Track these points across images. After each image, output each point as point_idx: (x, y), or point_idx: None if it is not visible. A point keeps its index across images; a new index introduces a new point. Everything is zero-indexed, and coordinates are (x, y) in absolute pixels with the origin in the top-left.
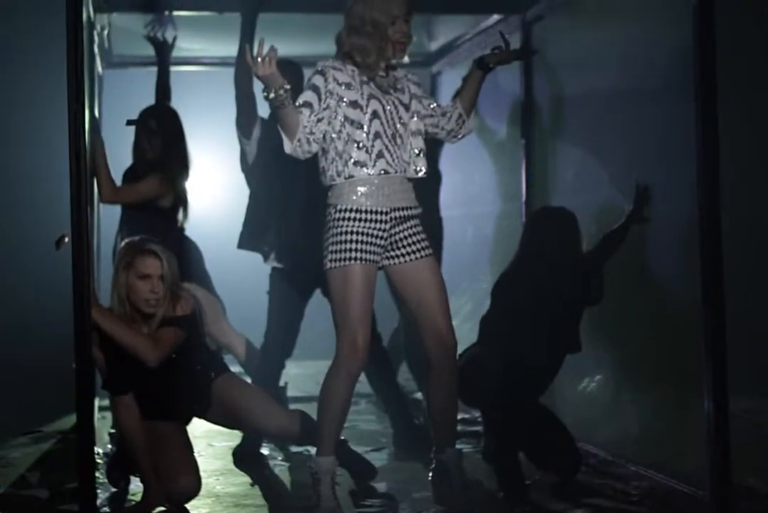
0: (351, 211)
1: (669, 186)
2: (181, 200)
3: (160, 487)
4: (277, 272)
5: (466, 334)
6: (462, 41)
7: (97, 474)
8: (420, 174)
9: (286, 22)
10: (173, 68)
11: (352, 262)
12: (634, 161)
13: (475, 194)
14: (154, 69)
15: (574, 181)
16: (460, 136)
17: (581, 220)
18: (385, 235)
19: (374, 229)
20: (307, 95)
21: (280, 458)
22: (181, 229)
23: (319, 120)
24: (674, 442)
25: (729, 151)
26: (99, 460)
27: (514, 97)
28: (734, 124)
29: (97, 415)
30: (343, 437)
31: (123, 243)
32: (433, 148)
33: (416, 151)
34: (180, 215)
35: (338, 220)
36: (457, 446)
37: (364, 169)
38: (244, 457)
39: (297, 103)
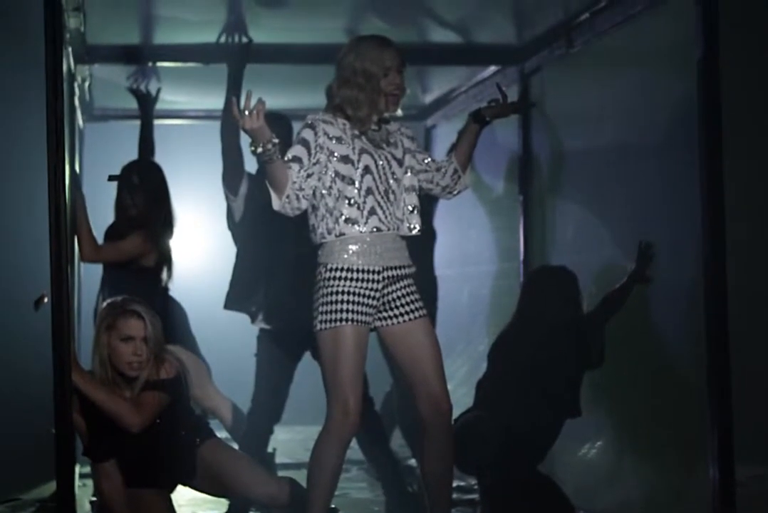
0: (342, 270)
1: (672, 244)
2: (165, 259)
3: None
4: (265, 334)
5: (461, 398)
6: (457, 94)
7: None
8: (414, 232)
9: (275, 74)
10: (157, 121)
11: (343, 323)
12: (636, 218)
13: (472, 253)
14: (137, 122)
15: (573, 239)
16: (455, 193)
17: (581, 280)
18: (378, 295)
19: (366, 288)
20: (296, 150)
21: None
22: (166, 289)
23: (308, 175)
24: (678, 509)
25: (735, 207)
26: None
27: (512, 152)
28: (740, 179)
29: (77, 482)
30: (333, 506)
31: (105, 303)
32: (427, 204)
33: (410, 208)
34: (164, 274)
35: (329, 279)
36: None
37: (356, 227)
38: None
39: (286, 158)
